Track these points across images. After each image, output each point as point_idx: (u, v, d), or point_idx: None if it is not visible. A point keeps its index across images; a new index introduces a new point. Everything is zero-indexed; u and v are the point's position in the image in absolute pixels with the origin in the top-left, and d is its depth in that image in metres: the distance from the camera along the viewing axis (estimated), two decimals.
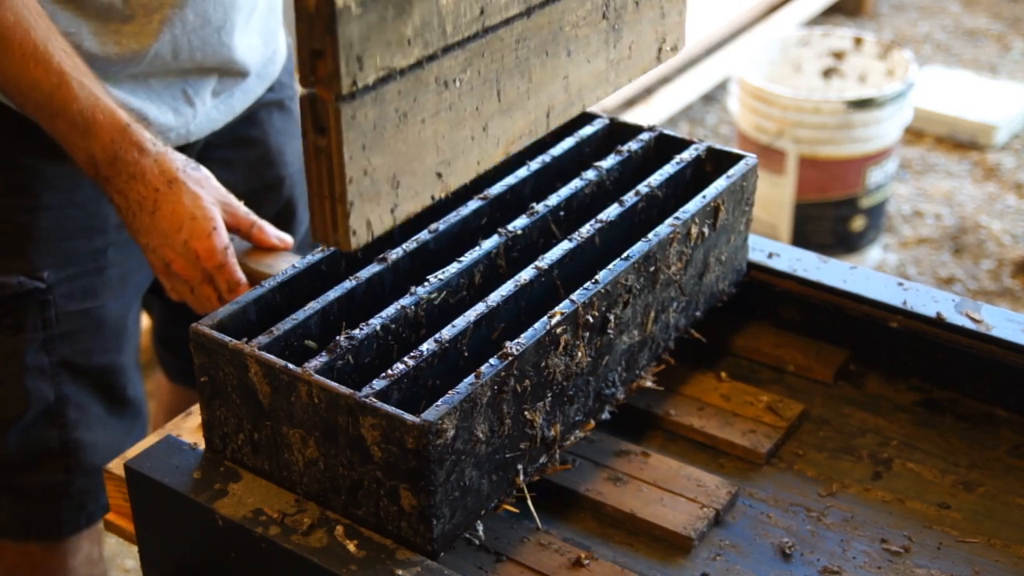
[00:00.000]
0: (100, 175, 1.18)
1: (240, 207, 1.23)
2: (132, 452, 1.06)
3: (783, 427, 1.13)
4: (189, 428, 1.10)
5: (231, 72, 1.36)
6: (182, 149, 1.35)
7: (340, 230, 0.82)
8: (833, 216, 3.02)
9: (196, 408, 1.11)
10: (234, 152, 1.45)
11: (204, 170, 1.22)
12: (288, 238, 1.26)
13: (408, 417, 0.85)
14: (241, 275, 1.19)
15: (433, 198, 0.90)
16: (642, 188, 1.14)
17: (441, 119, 0.88)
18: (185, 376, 1.64)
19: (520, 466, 0.96)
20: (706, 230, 1.13)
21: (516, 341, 0.93)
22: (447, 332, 0.95)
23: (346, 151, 0.80)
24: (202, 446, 1.00)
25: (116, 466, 1.05)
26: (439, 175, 0.89)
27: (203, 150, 1.41)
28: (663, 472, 1.06)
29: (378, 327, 0.96)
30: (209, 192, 1.20)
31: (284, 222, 1.50)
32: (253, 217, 1.23)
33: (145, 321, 1.92)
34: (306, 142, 0.81)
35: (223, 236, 1.18)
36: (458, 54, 0.88)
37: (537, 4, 0.95)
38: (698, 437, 1.13)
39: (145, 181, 1.17)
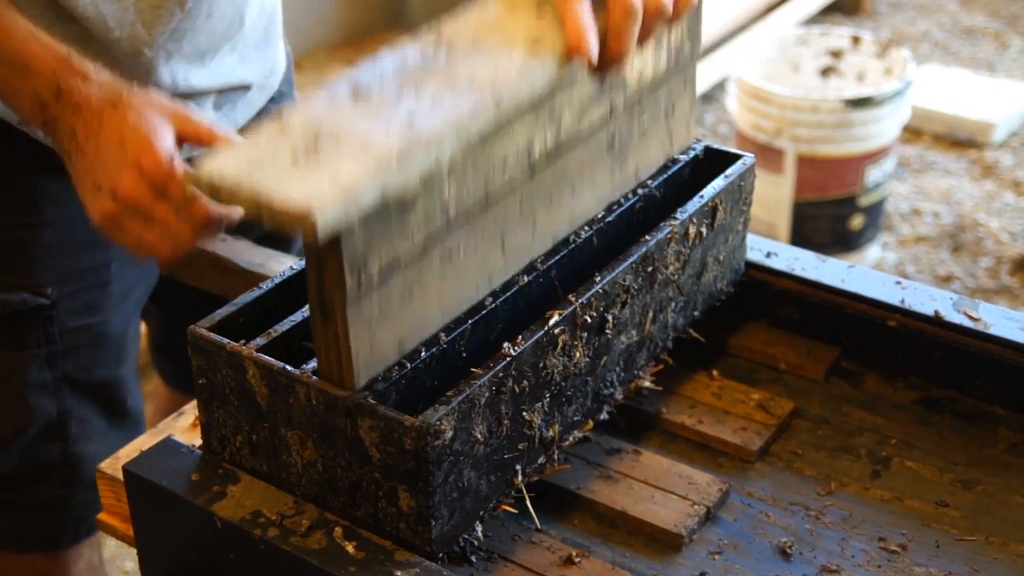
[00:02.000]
0: (48, 117, 1.10)
1: (200, 119, 1.13)
2: (125, 452, 1.06)
3: (774, 424, 1.13)
4: (181, 428, 1.10)
5: (232, 88, 1.36)
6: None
7: (346, 384, 0.87)
8: (832, 215, 3.02)
9: (188, 408, 1.11)
10: None
11: (151, 92, 1.13)
12: (218, 130, 1.14)
13: (406, 418, 0.85)
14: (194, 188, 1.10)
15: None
16: (639, 188, 1.14)
17: (447, 284, 0.92)
18: (181, 381, 1.64)
19: (518, 467, 0.96)
20: (704, 230, 1.13)
21: (514, 342, 0.93)
22: (444, 332, 0.95)
23: (352, 336, 0.84)
24: (194, 446, 1.00)
25: (109, 466, 1.04)
26: (444, 328, 0.93)
27: None
28: (654, 470, 1.06)
29: None
30: (156, 108, 1.10)
31: (284, 234, 1.50)
32: (216, 129, 1.12)
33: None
34: (313, 314, 0.84)
35: (166, 143, 1.07)
36: (462, 227, 0.91)
37: (541, 163, 0.97)
38: (690, 435, 1.13)
39: (90, 107, 1.08)
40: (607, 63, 0.94)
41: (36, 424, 1.32)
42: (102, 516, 1.07)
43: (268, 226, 0.77)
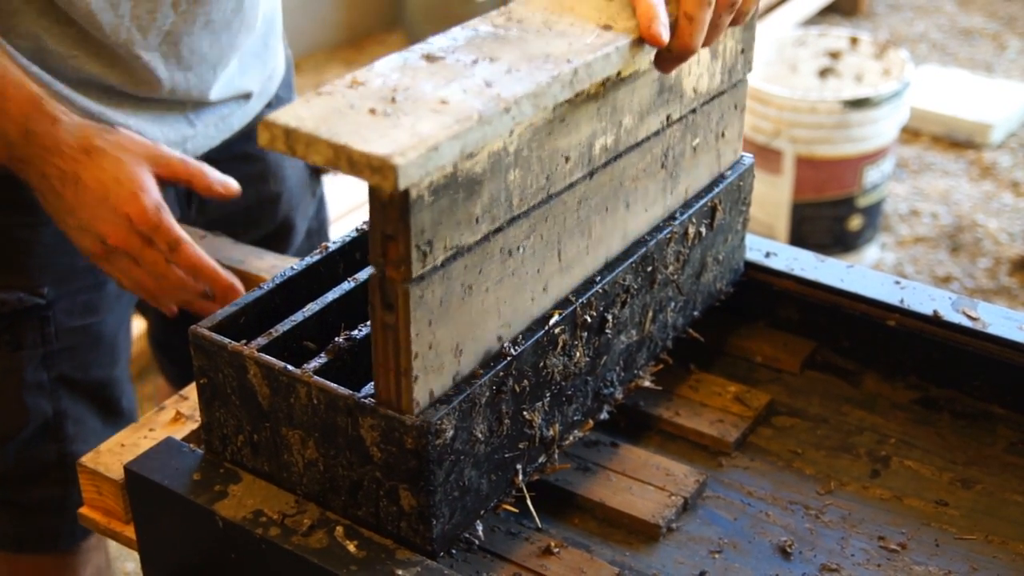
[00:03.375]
0: (15, 156, 1.11)
1: (172, 156, 1.15)
2: (107, 447, 1.07)
3: (750, 416, 1.14)
4: (162, 422, 1.10)
5: (233, 98, 1.36)
6: None
7: (404, 401, 0.86)
8: (830, 215, 3.03)
9: (169, 402, 1.12)
10: (231, 168, 1.43)
11: (122, 131, 1.15)
12: (233, 184, 1.19)
13: (407, 417, 0.85)
14: (180, 232, 1.12)
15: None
16: None
17: (504, 286, 0.91)
18: (183, 380, 1.64)
19: (519, 466, 0.97)
20: (703, 230, 1.14)
21: (514, 341, 0.93)
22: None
23: (413, 329, 0.83)
24: (177, 439, 1.01)
25: (90, 460, 1.05)
26: (499, 337, 0.93)
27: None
28: (632, 462, 1.07)
29: None
30: (132, 153, 1.12)
31: (282, 236, 1.50)
32: (190, 163, 1.16)
33: (140, 326, 1.92)
34: (374, 316, 0.84)
35: (152, 194, 1.10)
36: (523, 223, 0.91)
37: (600, 165, 0.98)
38: (668, 428, 1.14)
39: (61, 154, 1.10)
40: (677, 50, 0.94)
41: (32, 424, 1.32)
42: (83, 510, 1.07)
43: (346, 174, 0.76)
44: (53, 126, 1.10)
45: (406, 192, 0.78)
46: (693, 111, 1.09)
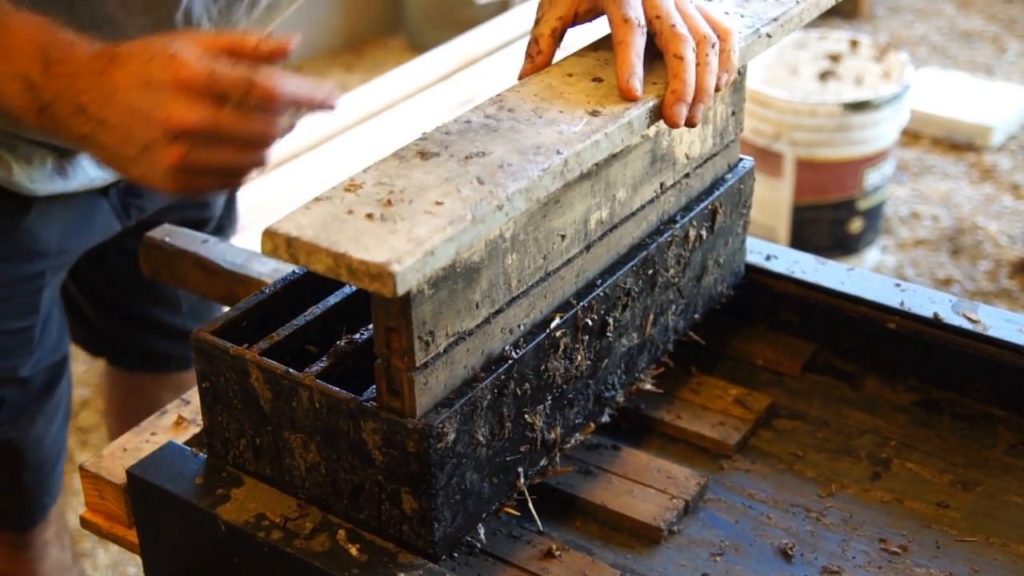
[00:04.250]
0: (43, 103, 0.92)
1: (205, 33, 0.97)
2: (109, 451, 1.07)
3: (751, 419, 1.14)
4: (164, 426, 1.11)
5: None
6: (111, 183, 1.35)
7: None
8: (831, 218, 3.03)
9: (171, 406, 1.12)
10: None
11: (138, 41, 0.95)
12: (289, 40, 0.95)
13: (409, 421, 0.86)
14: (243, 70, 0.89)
15: None
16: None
17: None
18: (124, 359, 1.67)
19: (520, 469, 0.97)
20: (704, 233, 1.14)
21: (516, 344, 0.93)
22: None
23: (419, 408, 0.86)
24: (179, 443, 1.01)
25: (92, 464, 1.05)
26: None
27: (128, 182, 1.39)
28: (633, 465, 1.07)
29: None
30: (158, 40, 0.92)
31: (201, 223, 1.53)
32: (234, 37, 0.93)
33: None
34: (380, 399, 0.87)
35: (196, 51, 0.89)
36: (522, 301, 0.94)
37: (596, 238, 1.01)
38: (669, 431, 1.15)
39: (89, 72, 0.91)
40: (680, 92, 0.96)
41: None
42: (85, 514, 1.08)
43: (347, 281, 0.79)
44: (71, 48, 0.92)
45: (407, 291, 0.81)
46: (687, 175, 1.12)
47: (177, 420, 1.10)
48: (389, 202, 0.82)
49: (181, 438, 1.07)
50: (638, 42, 0.97)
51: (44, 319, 1.37)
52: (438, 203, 0.82)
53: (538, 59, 1.04)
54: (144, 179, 0.92)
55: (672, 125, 0.96)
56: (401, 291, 0.76)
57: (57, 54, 0.91)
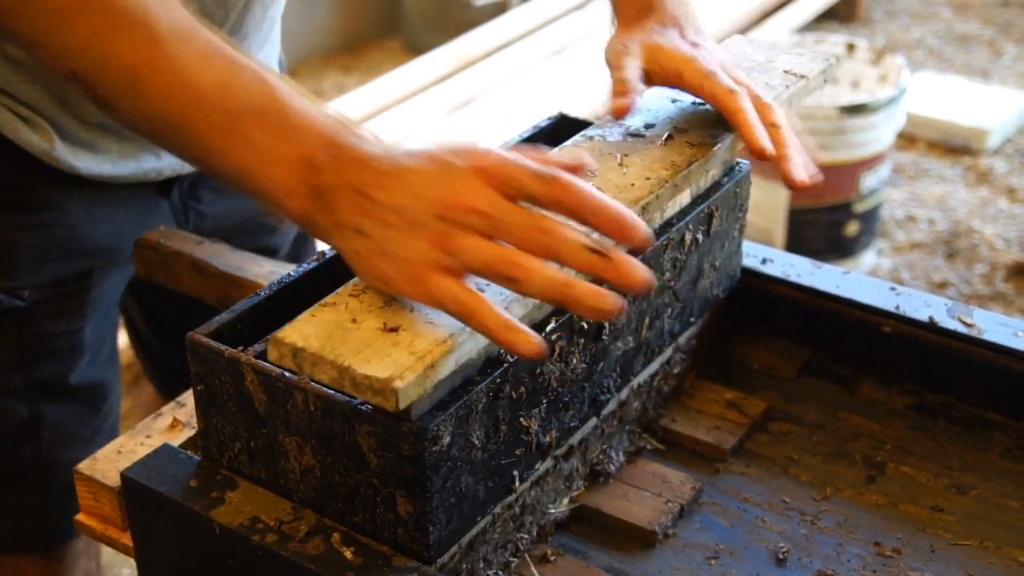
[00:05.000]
0: (319, 186, 0.85)
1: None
2: (103, 454, 1.07)
3: (746, 423, 1.14)
4: (159, 429, 1.11)
5: None
6: (174, 181, 1.35)
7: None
8: (827, 221, 3.03)
9: (166, 409, 1.12)
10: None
11: None
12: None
13: (404, 424, 0.85)
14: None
15: None
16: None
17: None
18: (167, 386, 1.63)
19: (516, 472, 0.97)
20: (700, 236, 1.14)
21: None
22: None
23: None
24: (173, 445, 1.01)
25: (87, 467, 1.05)
26: None
27: (193, 183, 1.39)
28: (629, 469, 1.08)
29: None
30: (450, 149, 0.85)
31: (270, 251, 1.50)
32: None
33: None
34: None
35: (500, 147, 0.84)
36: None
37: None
38: (665, 435, 1.15)
39: (377, 159, 0.84)
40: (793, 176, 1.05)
41: (7, 427, 1.31)
42: (80, 517, 1.07)
43: (351, 394, 0.81)
44: (361, 140, 0.86)
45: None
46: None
47: (172, 423, 1.10)
48: (392, 315, 0.84)
49: (176, 440, 1.07)
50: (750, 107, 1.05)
51: (96, 325, 1.35)
52: (437, 317, 0.83)
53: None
54: (410, 282, 0.82)
55: (801, 187, 1.03)
56: (403, 404, 0.79)
57: (345, 140, 0.85)
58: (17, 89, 1.18)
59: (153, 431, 1.09)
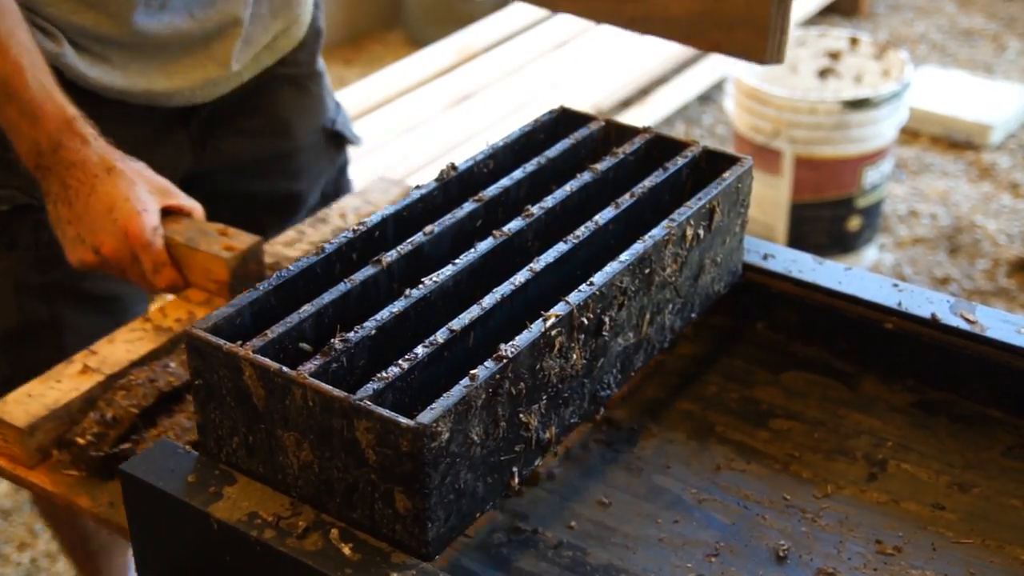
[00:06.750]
0: (41, 164, 1.23)
1: (180, 195, 1.29)
2: (13, 397, 1.11)
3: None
4: (70, 374, 1.15)
5: (217, 25, 1.41)
6: (191, 112, 1.45)
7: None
8: (829, 216, 3.03)
9: (78, 356, 1.18)
10: (242, 120, 1.51)
11: (141, 163, 1.29)
12: (198, 208, 1.31)
13: (403, 420, 0.85)
14: (165, 256, 1.26)
15: None
16: (637, 190, 1.14)
17: None
18: None
19: (515, 469, 0.96)
20: (701, 232, 1.13)
21: (511, 343, 0.93)
22: (441, 335, 0.95)
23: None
24: (172, 441, 1.01)
25: (10, 414, 1.10)
26: None
27: (211, 118, 1.47)
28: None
29: (372, 330, 0.96)
30: (145, 180, 1.26)
31: (294, 196, 1.56)
32: (192, 203, 1.31)
33: None
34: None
35: (152, 218, 1.24)
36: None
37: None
38: None
39: (85, 169, 1.22)
40: None
41: (26, 326, 1.36)
42: None
43: None
44: (83, 145, 1.23)
45: None
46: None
47: (82, 369, 1.15)
48: None
49: (85, 386, 1.12)
50: None
51: None
52: None
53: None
54: (66, 253, 1.26)
55: None
56: None
57: (69, 143, 1.22)
58: (34, 3, 1.30)
59: (63, 376, 1.14)
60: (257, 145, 1.52)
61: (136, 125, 1.41)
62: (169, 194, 1.27)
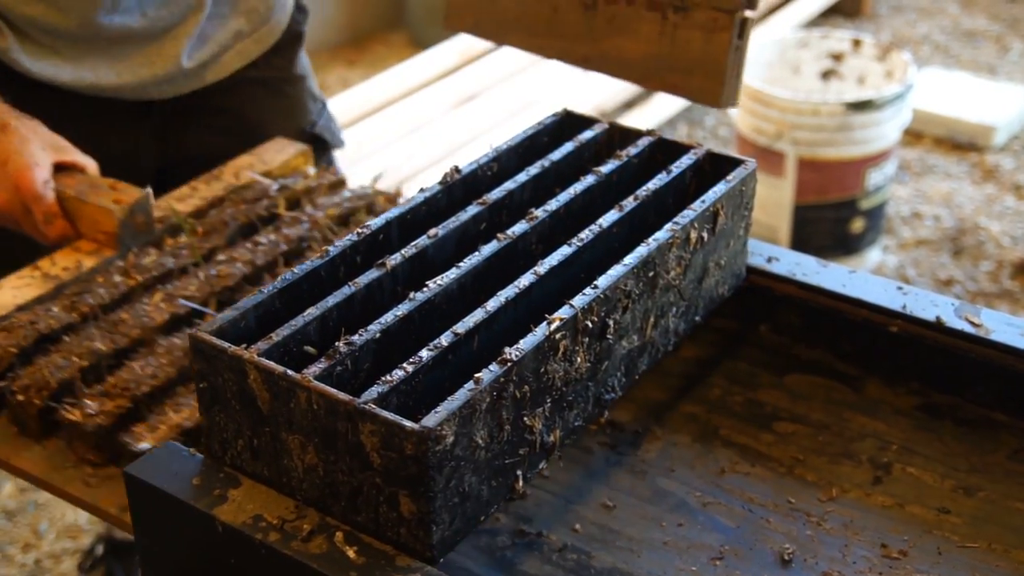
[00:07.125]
0: None
1: (75, 151, 1.34)
2: None
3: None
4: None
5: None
6: (148, 105, 1.50)
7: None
8: (832, 218, 3.02)
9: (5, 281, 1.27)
10: (209, 119, 1.57)
11: (35, 120, 1.34)
12: (91, 164, 1.36)
13: (407, 423, 0.85)
14: (56, 208, 1.31)
15: None
16: (641, 193, 1.13)
17: None
18: None
19: (519, 472, 0.96)
20: (705, 235, 1.13)
21: (515, 347, 0.93)
22: (446, 338, 0.95)
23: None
24: (177, 443, 1.01)
25: None
26: None
27: (173, 113, 1.52)
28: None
29: (377, 333, 0.96)
30: (39, 137, 1.32)
31: None
32: (86, 159, 1.35)
33: None
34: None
35: (43, 172, 1.29)
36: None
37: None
38: None
39: None
40: None
41: None
42: None
43: None
44: None
45: None
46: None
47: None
48: None
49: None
50: None
51: None
52: None
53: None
54: None
55: None
56: None
57: None
58: None
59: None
60: (227, 142, 1.55)
61: (92, 117, 1.46)
62: (63, 150, 1.33)
